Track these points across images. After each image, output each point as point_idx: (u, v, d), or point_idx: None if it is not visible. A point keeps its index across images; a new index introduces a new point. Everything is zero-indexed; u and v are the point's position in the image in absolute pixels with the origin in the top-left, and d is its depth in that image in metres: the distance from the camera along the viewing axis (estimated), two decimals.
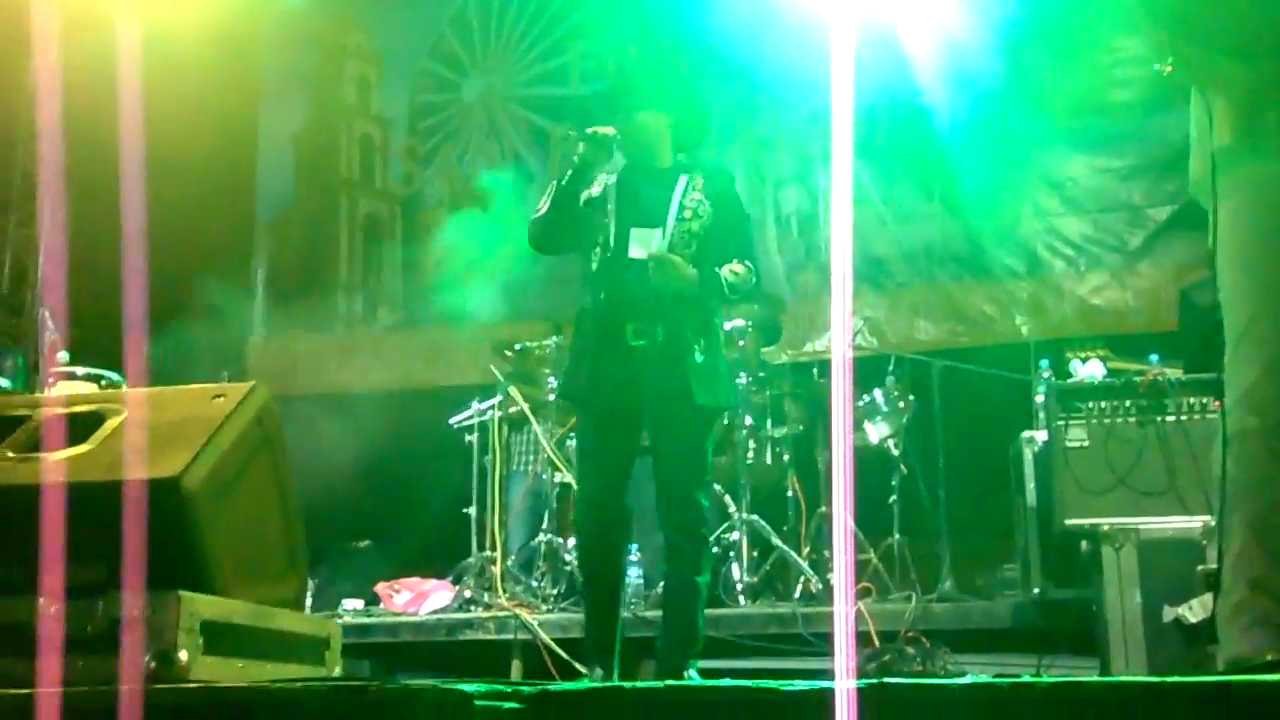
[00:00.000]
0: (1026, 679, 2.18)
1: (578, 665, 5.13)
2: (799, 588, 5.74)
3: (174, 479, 2.74)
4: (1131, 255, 7.12)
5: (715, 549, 5.68)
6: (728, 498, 6.00)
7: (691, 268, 4.07)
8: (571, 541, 6.00)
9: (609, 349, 4.10)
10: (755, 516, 5.92)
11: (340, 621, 5.79)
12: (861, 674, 3.64)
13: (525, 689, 2.11)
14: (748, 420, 6.13)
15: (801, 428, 6.28)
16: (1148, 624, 4.61)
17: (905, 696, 2.02)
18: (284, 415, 3.20)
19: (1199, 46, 2.95)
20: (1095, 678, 4.19)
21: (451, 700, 2.03)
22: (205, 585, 2.75)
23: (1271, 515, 2.74)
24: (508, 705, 2.05)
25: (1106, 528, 4.81)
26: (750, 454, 6.14)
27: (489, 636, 5.75)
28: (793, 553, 5.85)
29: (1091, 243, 7.21)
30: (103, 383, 5.80)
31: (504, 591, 6.01)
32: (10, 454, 2.94)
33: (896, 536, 5.87)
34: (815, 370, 6.57)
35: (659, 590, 5.18)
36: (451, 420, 6.88)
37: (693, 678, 3.96)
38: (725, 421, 6.00)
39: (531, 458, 6.67)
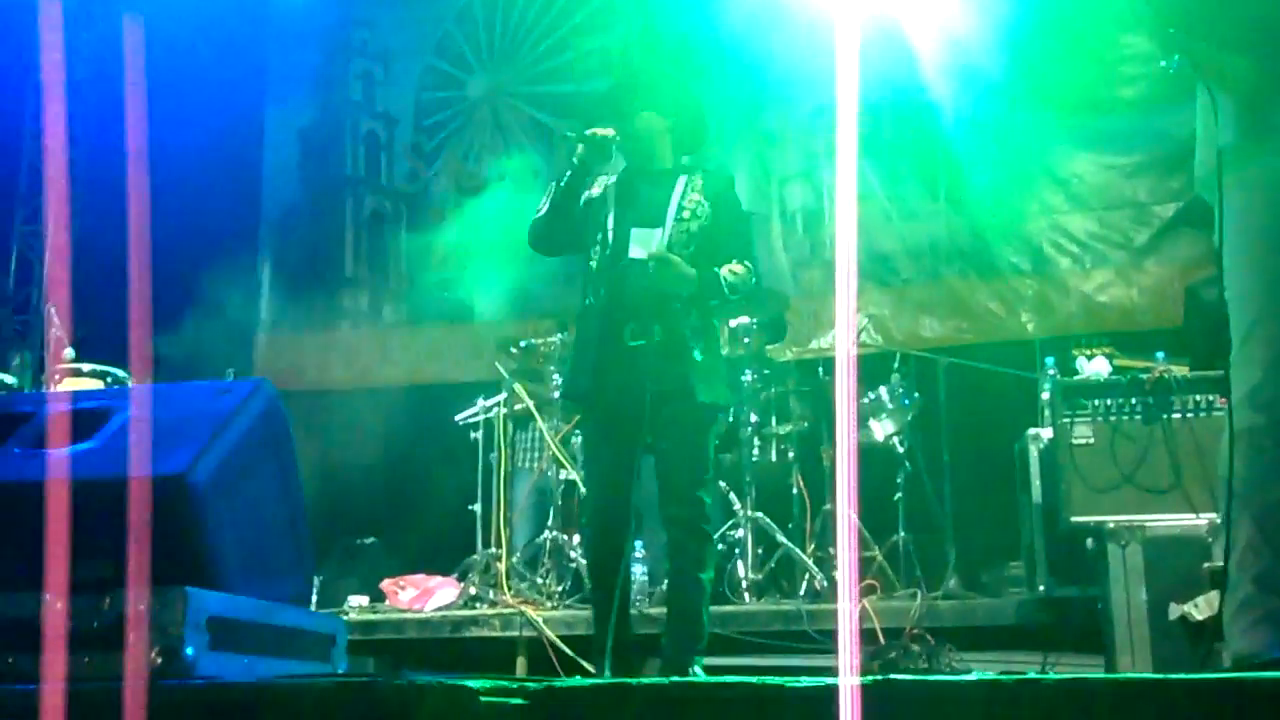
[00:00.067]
0: (1032, 676, 2.18)
1: (583, 662, 5.14)
2: (804, 585, 5.74)
3: (180, 475, 2.75)
4: (1137, 252, 7.11)
5: (720, 546, 5.69)
6: (733, 495, 6.01)
7: (691, 268, 4.08)
8: (576, 538, 6.01)
9: (610, 349, 4.11)
10: (760, 514, 5.93)
11: (346, 618, 5.81)
12: (866, 671, 3.64)
13: (530, 685, 2.11)
14: (753, 417, 6.13)
15: (806, 425, 6.28)
16: (1153, 621, 4.60)
17: (910, 693, 2.02)
18: (290, 412, 3.20)
19: (1205, 43, 2.94)
20: (1100, 675, 4.18)
21: (457, 696, 2.04)
22: (211, 581, 2.76)
23: (1278, 512, 2.74)
24: (513, 701, 2.05)
25: (1112, 525, 4.81)
26: (755, 451, 6.14)
27: (494, 633, 5.76)
28: (797, 550, 5.85)
29: (1097, 240, 7.19)
30: (109, 379, 5.83)
31: (509, 588, 6.01)
32: (17, 450, 2.95)
33: (901, 534, 5.87)
34: (820, 368, 6.57)
35: (664, 587, 5.19)
36: (457, 417, 6.88)
37: (698, 674, 3.96)
38: (731, 419, 6.02)
39: (537, 454, 6.67)
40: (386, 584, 6.45)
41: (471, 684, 2.05)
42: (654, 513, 4.33)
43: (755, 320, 6.17)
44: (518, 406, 6.41)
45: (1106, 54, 7.11)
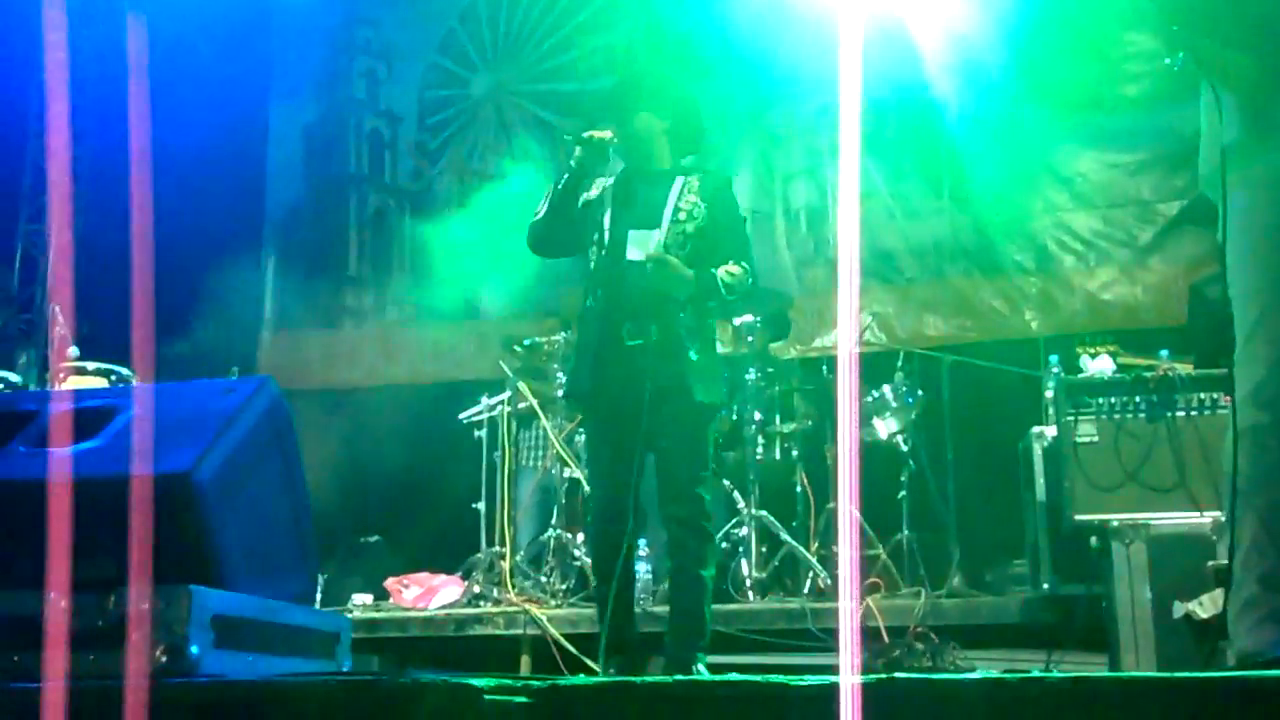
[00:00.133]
0: (1035, 675, 2.18)
1: (587, 660, 5.14)
2: (808, 583, 5.74)
3: (185, 474, 2.75)
4: (1141, 250, 7.10)
5: (724, 544, 5.70)
6: (736, 493, 6.01)
7: (688, 269, 4.09)
8: (580, 536, 6.01)
9: (609, 350, 4.14)
10: (764, 512, 5.92)
11: (350, 616, 5.82)
12: (870, 669, 3.64)
13: (534, 683, 2.11)
14: (756, 416, 6.12)
15: (810, 423, 6.28)
16: (1157, 620, 4.60)
17: (914, 692, 2.02)
18: (294, 410, 3.20)
19: (1209, 40, 2.94)
20: (1105, 673, 4.18)
21: (461, 695, 2.04)
22: (216, 579, 2.76)
23: None
24: (517, 700, 2.05)
25: (1116, 523, 4.80)
26: (759, 450, 6.14)
27: (498, 631, 5.76)
28: (801, 548, 5.85)
29: (1101, 238, 7.18)
30: (113, 377, 5.83)
31: (513, 587, 6.01)
32: (21, 448, 2.95)
33: (905, 532, 5.86)
34: (824, 366, 6.57)
35: (666, 585, 5.19)
36: (461, 415, 6.89)
37: (701, 672, 3.97)
38: (734, 418, 6.02)
39: (540, 453, 6.68)
40: (391, 582, 6.46)
41: (475, 682, 2.05)
42: (657, 511, 4.34)
43: (759, 317, 6.16)
44: (522, 405, 6.42)
45: (1110, 51, 7.10)
